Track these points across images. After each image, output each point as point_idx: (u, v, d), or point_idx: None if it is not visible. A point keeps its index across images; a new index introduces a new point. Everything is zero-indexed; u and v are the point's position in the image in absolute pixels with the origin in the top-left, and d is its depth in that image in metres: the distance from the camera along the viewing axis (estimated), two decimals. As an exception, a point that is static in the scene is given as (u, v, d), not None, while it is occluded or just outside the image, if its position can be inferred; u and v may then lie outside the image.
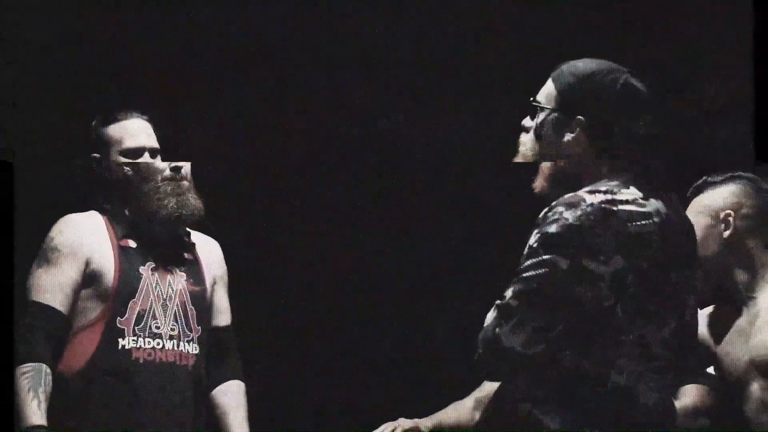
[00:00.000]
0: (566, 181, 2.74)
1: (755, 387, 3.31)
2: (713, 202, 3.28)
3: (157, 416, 3.63)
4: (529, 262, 2.63)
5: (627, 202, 2.65)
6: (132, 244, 3.71)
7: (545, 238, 2.63)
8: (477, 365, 2.70)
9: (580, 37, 4.35)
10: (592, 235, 2.61)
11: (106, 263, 3.66)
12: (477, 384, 3.12)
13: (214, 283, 3.86)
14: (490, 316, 2.65)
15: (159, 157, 3.77)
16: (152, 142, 3.78)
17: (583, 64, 2.77)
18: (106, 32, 4.49)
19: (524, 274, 2.63)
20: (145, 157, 3.74)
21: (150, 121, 3.80)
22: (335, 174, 4.76)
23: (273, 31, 4.61)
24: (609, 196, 2.65)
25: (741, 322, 3.33)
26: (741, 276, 3.33)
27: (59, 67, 4.43)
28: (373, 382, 4.71)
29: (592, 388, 2.63)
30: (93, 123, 3.80)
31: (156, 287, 3.70)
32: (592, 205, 2.63)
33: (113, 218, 3.73)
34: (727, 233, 3.33)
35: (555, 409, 2.64)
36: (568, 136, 2.76)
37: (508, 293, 2.63)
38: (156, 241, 3.74)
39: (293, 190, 4.78)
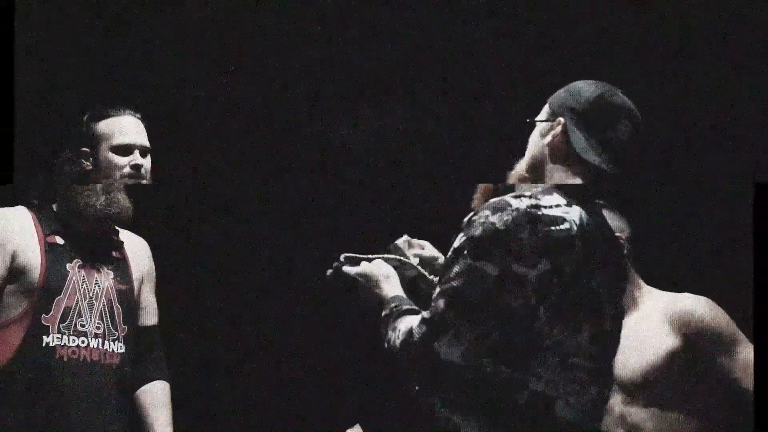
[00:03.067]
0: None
1: (617, 400, 3.43)
2: None
3: (80, 415, 3.59)
4: (456, 269, 2.65)
5: (550, 207, 2.69)
6: (59, 240, 3.67)
7: (472, 242, 2.65)
8: (404, 374, 2.71)
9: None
10: (518, 239, 2.63)
11: (33, 259, 3.61)
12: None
13: (142, 282, 3.83)
14: (418, 330, 2.65)
15: (149, 157, 3.74)
16: (143, 140, 3.74)
17: (577, 81, 2.86)
18: (98, 27, 4.46)
19: (453, 283, 2.64)
20: (135, 155, 3.70)
21: (142, 119, 3.77)
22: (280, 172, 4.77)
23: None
24: (534, 201, 2.68)
25: None
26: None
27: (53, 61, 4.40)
28: (305, 381, 4.71)
29: (510, 395, 2.64)
30: (85, 117, 3.75)
31: (83, 285, 3.66)
32: (517, 209, 2.66)
33: (41, 214, 3.69)
34: None
35: (473, 415, 2.65)
36: (548, 138, 2.82)
37: (439, 305, 2.64)
38: (83, 238, 3.70)
39: (234, 189, 4.77)
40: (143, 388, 3.80)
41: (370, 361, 4.57)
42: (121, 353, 3.69)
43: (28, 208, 3.71)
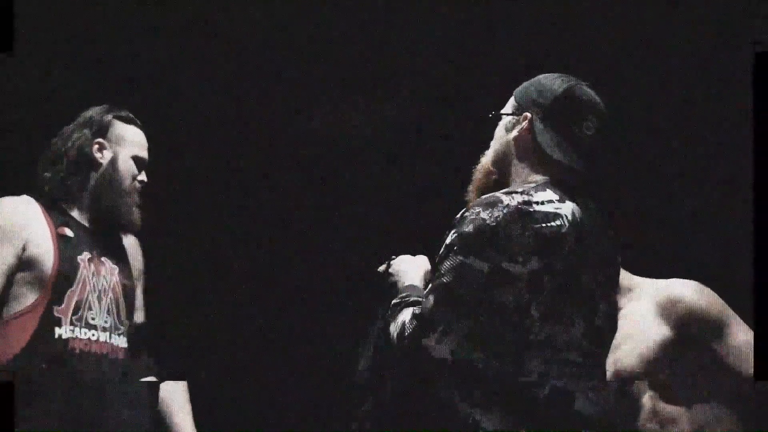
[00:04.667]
0: (495, 191, 2.77)
1: (647, 397, 3.42)
2: None
3: (90, 407, 3.61)
4: (447, 265, 2.66)
5: (542, 203, 2.69)
6: (69, 233, 3.69)
7: (462, 238, 2.65)
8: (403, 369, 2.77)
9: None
10: (509, 236, 2.63)
11: (45, 249, 3.62)
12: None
13: (137, 278, 3.87)
14: (409, 325, 2.66)
15: (143, 172, 3.80)
16: (146, 155, 3.81)
17: (542, 75, 2.87)
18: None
19: (444, 279, 2.65)
20: (143, 174, 3.77)
21: (146, 134, 3.84)
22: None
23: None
24: (525, 197, 2.69)
25: None
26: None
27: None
28: (298, 382, 4.72)
29: (531, 389, 2.65)
30: (110, 112, 3.78)
31: (92, 278, 3.68)
32: (508, 206, 2.66)
33: (48, 205, 3.70)
34: None
35: (494, 411, 2.65)
36: (514, 132, 2.82)
37: (429, 301, 2.65)
38: (89, 232, 3.73)
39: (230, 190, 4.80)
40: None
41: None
42: (124, 347, 3.73)
43: (34, 198, 3.71)
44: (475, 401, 2.66)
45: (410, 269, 2.93)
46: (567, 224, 2.68)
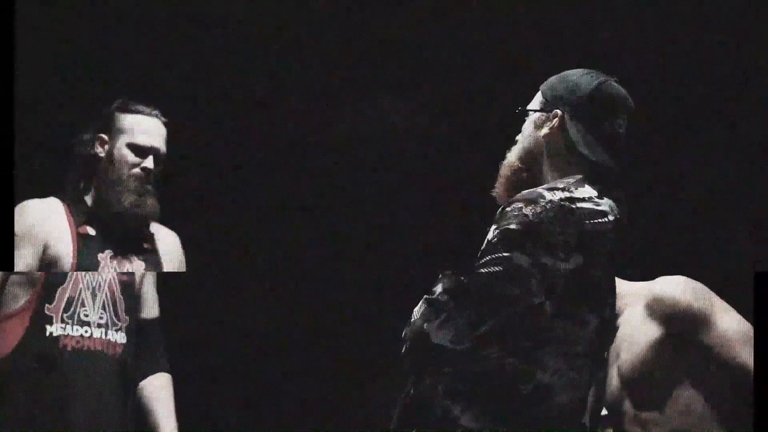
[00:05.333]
0: (524, 188, 2.76)
1: (627, 403, 3.39)
2: None
3: (84, 404, 3.61)
4: (487, 259, 2.62)
5: (584, 200, 2.68)
6: (91, 231, 3.68)
7: (505, 234, 2.63)
8: (403, 360, 2.70)
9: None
10: (551, 231, 2.62)
11: (64, 250, 3.63)
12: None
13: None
14: (418, 309, 2.66)
15: (161, 164, 3.75)
16: (160, 144, 3.75)
17: (570, 70, 2.85)
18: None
19: (482, 270, 2.62)
20: (149, 160, 3.72)
21: (167, 125, 3.78)
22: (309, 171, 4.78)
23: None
24: (567, 194, 2.67)
25: None
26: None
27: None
28: (310, 376, 4.72)
29: (515, 386, 2.63)
30: (114, 104, 3.77)
31: (86, 275, 3.66)
32: (551, 202, 2.64)
33: (73, 204, 3.71)
34: None
35: (473, 405, 2.64)
36: (545, 130, 2.80)
37: (438, 288, 2.64)
38: (115, 229, 3.71)
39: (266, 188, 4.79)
40: (146, 380, 3.81)
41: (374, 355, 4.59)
42: (123, 343, 3.70)
43: (60, 198, 3.72)
44: (457, 396, 2.64)
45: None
46: (607, 220, 2.68)
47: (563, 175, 2.76)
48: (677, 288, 3.33)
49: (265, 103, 4.72)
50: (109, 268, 3.67)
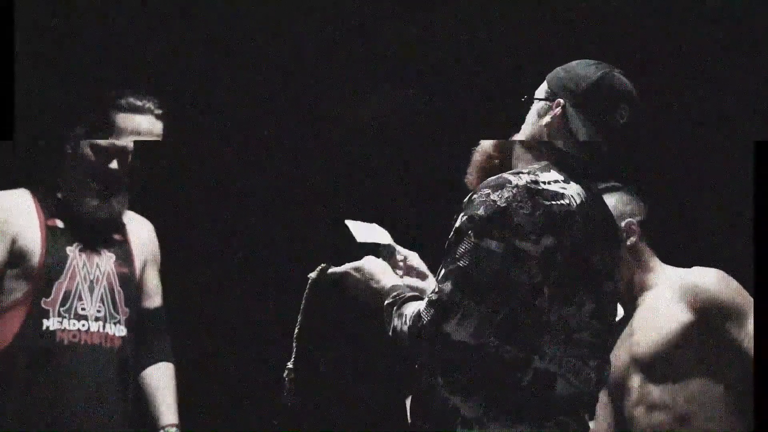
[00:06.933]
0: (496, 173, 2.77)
1: (635, 381, 3.43)
2: (613, 211, 3.34)
3: (81, 398, 3.59)
4: (461, 249, 2.63)
5: (549, 182, 2.69)
6: (59, 224, 3.66)
7: (474, 221, 2.63)
8: (413, 357, 2.70)
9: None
10: (520, 215, 2.62)
11: (33, 242, 3.60)
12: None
13: (145, 264, 3.81)
14: (426, 314, 2.63)
15: (129, 162, 3.67)
16: (128, 142, 3.67)
17: (574, 61, 2.85)
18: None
19: (459, 263, 2.62)
20: (113, 163, 3.65)
21: (162, 117, 3.70)
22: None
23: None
24: (532, 177, 2.68)
25: (621, 322, 3.55)
26: (639, 279, 3.60)
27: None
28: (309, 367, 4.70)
29: (514, 375, 2.63)
30: (107, 99, 3.70)
31: (83, 268, 3.64)
32: (517, 186, 2.65)
33: (42, 197, 3.67)
34: (632, 240, 3.47)
35: (474, 397, 2.64)
36: (547, 119, 2.81)
37: (447, 286, 2.62)
38: (84, 221, 3.68)
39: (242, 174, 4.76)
40: (147, 370, 3.79)
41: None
42: (122, 336, 3.68)
43: (30, 190, 3.69)
44: (457, 387, 2.65)
45: (382, 271, 2.89)
46: (574, 203, 2.68)
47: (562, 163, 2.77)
48: (714, 280, 3.46)
49: (261, 95, 4.69)
50: (78, 261, 3.62)
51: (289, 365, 2.90)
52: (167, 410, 3.76)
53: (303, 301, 2.94)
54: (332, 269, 2.93)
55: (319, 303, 2.91)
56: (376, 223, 3.15)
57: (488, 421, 2.63)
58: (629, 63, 2.95)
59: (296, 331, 2.93)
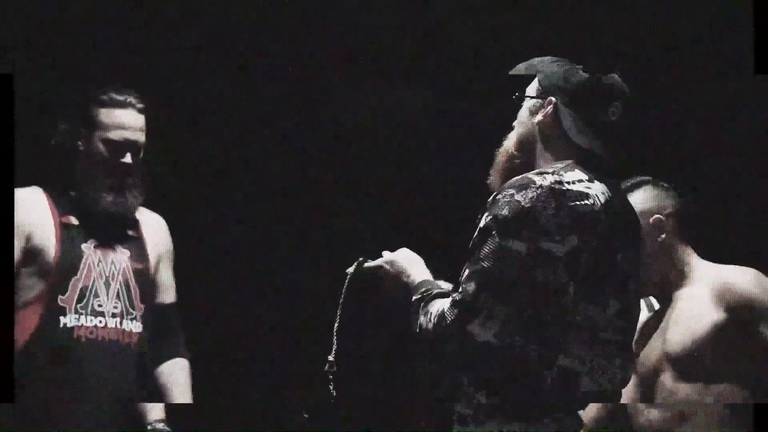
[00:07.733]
0: (518, 175, 2.76)
1: (666, 377, 3.42)
2: (641, 206, 3.32)
3: (99, 394, 3.60)
4: (485, 249, 2.63)
5: (573, 182, 2.68)
6: (74, 221, 3.66)
7: (499, 221, 2.63)
8: (437, 354, 2.70)
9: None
10: (545, 216, 2.62)
11: (47, 240, 3.60)
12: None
13: (159, 260, 3.81)
14: (450, 313, 2.63)
15: (140, 154, 3.69)
16: (137, 136, 3.68)
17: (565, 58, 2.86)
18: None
19: (483, 264, 2.62)
20: (127, 156, 3.65)
21: (143, 111, 3.70)
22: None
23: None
24: (557, 177, 2.68)
25: (654, 318, 3.51)
26: (673, 276, 3.51)
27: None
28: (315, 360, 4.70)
29: (540, 373, 2.63)
30: (90, 95, 3.70)
31: (98, 264, 3.65)
32: (541, 186, 2.65)
33: (56, 194, 3.67)
34: (662, 236, 3.44)
35: (499, 394, 2.64)
36: (539, 117, 2.81)
37: (470, 286, 2.62)
38: (98, 218, 3.68)
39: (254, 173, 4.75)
40: (163, 365, 3.80)
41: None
42: (138, 332, 3.69)
43: (43, 188, 3.69)
44: (481, 384, 2.66)
45: (413, 264, 2.89)
46: (599, 203, 2.68)
47: (556, 160, 2.77)
48: (752, 281, 3.41)
49: (264, 91, 4.68)
50: (93, 257, 3.62)
51: (330, 358, 2.90)
52: (181, 396, 3.75)
53: (341, 296, 2.94)
54: (368, 263, 2.94)
55: (357, 297, 2.91)
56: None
57: (484, 418, 2.65)
58: (668, 56, 2.93)
59: (336, 325, 2.93)
